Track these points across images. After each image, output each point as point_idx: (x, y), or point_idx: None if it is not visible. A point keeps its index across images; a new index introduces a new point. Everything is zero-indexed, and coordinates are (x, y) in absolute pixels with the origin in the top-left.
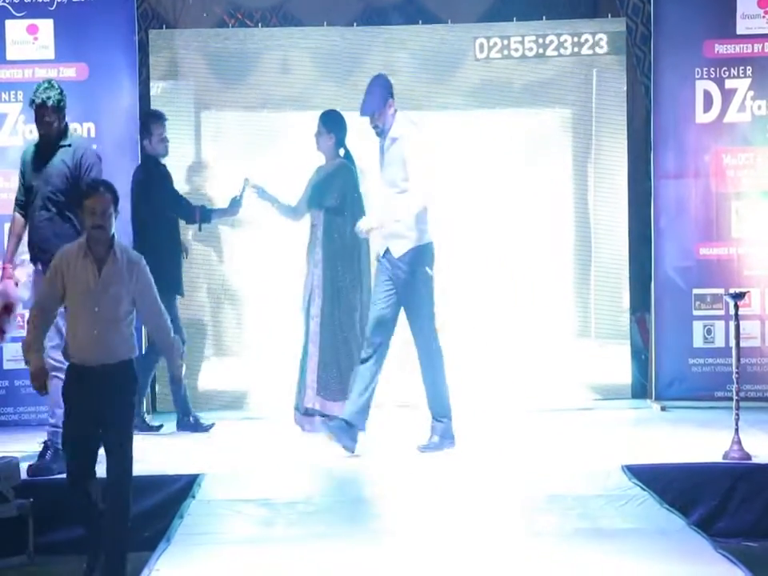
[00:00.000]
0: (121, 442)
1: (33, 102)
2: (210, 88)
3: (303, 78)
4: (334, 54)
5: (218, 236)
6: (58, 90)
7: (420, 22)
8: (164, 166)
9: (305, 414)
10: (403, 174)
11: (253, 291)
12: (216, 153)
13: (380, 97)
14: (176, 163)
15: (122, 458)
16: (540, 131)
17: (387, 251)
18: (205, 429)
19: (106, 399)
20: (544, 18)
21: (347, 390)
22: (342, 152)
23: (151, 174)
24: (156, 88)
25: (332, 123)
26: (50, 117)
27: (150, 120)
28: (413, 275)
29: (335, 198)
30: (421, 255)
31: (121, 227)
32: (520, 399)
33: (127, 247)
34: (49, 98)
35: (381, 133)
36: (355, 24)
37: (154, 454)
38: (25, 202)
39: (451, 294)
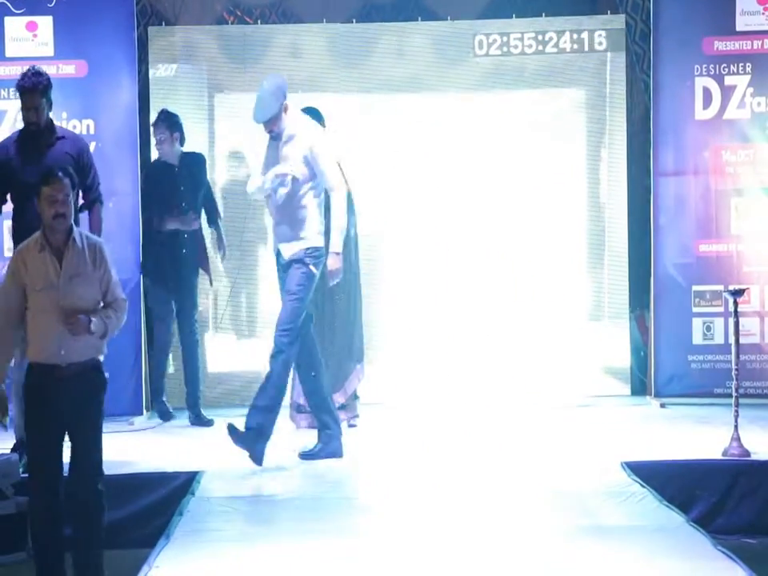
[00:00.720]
0: (93, 444)
1: (22, 87)
2: (221, 69)
3: (311, 64)
4: (336, 47)
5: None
6: (46, 77)
7: (419, 18)
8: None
9: (297, 410)
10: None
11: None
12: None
13: (276, 101)
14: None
15: (94, 460)
16: (545, 117)
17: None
18: (207, 423)
19: (75, 401)
20: (543, 14)
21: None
22: None
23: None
24: (168, 69)
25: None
26: (40, 104)
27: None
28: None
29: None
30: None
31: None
32: (519, 395)
33: (86, 232)
34: (39, 83)
35: (277, 135)
36: (354, 21)
37: (154, 451)
38: (16, 197)
39: (452, 284)
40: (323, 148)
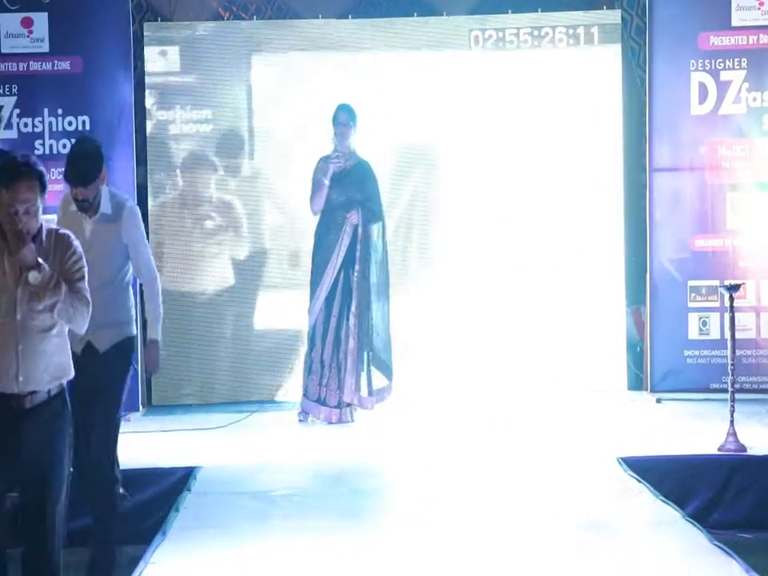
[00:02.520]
0: (53, 485)
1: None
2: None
3: (307, 59)
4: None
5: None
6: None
7: (415, 14)
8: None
9: (336, 406)
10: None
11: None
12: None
13: (97, 166)
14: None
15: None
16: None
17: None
18: None
19: (32, 438)
20: (539, 9)
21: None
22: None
23: None
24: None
25: (353, 115)
26: None
27: None
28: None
29: (365, 191)
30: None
31: None
32: (514, 391)
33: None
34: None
35: (89, 207)
36: (350, 17)
37: (150, 447)
38: None
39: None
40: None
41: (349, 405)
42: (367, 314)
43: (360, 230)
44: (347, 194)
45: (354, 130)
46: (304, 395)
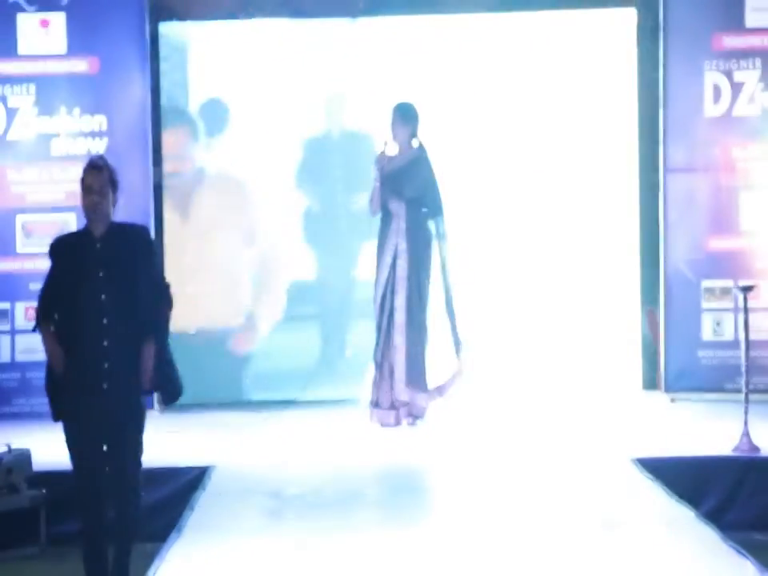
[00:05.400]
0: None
1: None
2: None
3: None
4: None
5: None
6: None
7: (427, 12)
8: None
9: (390, 407)
10: None
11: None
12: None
13: None
14: None
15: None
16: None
17: None
18: None
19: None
20: (554, 9)
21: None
22: (415, 143)
23: None
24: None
25: (408, 114)
26: None
27: None
28: None
29: (416, 188)
30: None
31: None
32: (530, 391)
33: None
34: None
35: None
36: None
37: (165, 446)
38: None
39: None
40: None
41: (405, 404)
42: (418, 308)
43: (403, 224)
44: (396, 191)
45: (405, 129)
46: (369, 401)
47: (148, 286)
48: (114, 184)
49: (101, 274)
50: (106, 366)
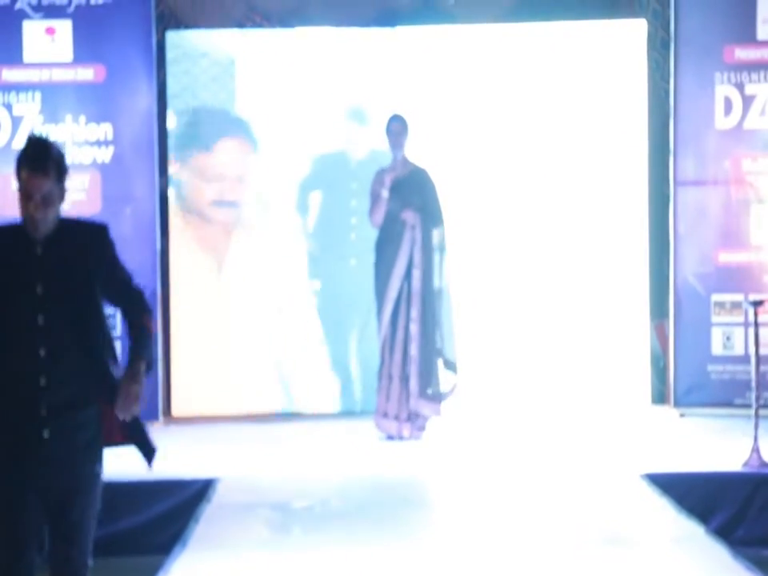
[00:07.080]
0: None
1: None
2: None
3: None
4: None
5: None
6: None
7: (436, 23)
8: None
9: (396, 419)
10: None
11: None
12: None
13: None
14: None
15: None
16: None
17: None
18: None
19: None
20: (563, 19)
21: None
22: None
23: None
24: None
25: (407, 125)
26: None
27: None
28: None
29: (423, 198)
30: None
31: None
32: (538, 405)
33: None
34: None
35: None
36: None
37: (170, 457)
38: None
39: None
40: None
41: (417, 416)
42: (432, 320)
43: (419, 234)
44: (406, 202)
45: (406, 138)
46: (375, 411)
47: (119, 297)
48: (61, 179)
49: (39, 290)
50: (43, 411)
